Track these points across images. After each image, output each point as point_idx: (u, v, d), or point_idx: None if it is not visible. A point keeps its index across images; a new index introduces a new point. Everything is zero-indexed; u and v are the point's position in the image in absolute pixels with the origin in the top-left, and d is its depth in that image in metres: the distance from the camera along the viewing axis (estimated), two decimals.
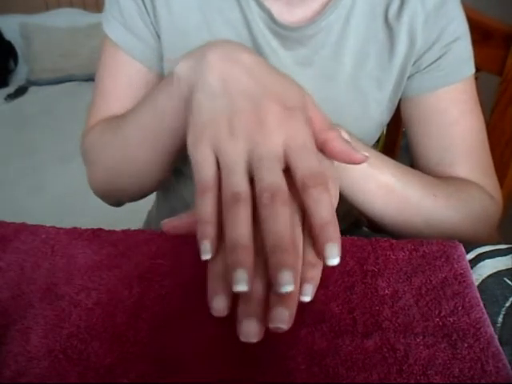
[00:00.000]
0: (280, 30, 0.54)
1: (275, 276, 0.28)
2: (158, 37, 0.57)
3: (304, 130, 0.34)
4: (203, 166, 0.33)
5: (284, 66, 0.55)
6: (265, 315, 0.29)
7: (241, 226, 0.30)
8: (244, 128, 0.33)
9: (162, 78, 0.59)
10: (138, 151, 0.49)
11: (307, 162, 0.32)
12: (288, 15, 0.54)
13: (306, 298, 0.31)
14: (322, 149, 0.36)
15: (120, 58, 0.57)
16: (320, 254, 0.30)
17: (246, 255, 0.29)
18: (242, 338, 0.29)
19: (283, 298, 0.29)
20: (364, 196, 0.46)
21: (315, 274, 0.32)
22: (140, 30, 0.56)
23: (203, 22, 0.54)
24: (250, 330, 0.29)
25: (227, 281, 0.30)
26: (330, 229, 0.30)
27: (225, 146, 0.33)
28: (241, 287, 0.28)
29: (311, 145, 0.34)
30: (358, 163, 0.37)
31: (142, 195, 0.58)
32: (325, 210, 0.31)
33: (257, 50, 0.55)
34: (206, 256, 0.31)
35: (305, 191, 0.31)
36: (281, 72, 0.37)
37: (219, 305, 0.30)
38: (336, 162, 0.41)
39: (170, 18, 0.55)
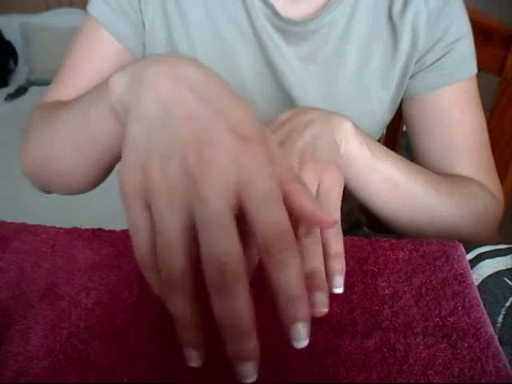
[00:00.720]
0: (283, 24, 0.54)
1: (290, 331, 0.25)
2: (144, 25, 0.56)
3: (264, 168, 0.26)
4: (136, 233, 0.27)
5: (287, 62, 0.55)
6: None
7: (188, 318, 0.26)
8: (182, 170, 0.25)
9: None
10: (67, 155, 0.43)
11: (270, 218, 0.25)
12: (291, 10, 0.54)
13: (339, 290, 0.33)
14: (285, 201, 0.28)
15: (98, 36, 0.55)
16: (285, 333, 0.25)
17: (196, 338, 0.27)
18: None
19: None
20: (369, 189, 0.46)
21: (342, 265, 0.34)
22: (125, 11, 0.55)
23: (207, 17, 0.55)
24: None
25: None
26: (298, 306, 0.25)
27: (155, 201, 0.26)
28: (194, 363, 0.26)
29: (275, 190, 0.26)
30: (325, 227, 0.33)
31: (73, 193, 0.53)
32: (292, 281, 0.25)
33: (260, 45, 0.55)
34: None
35: (268, 257, 0.25)
36: (239, 97, 0.30)
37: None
38: (342, 150, 0.42)
39: (178, 12, 0.55)
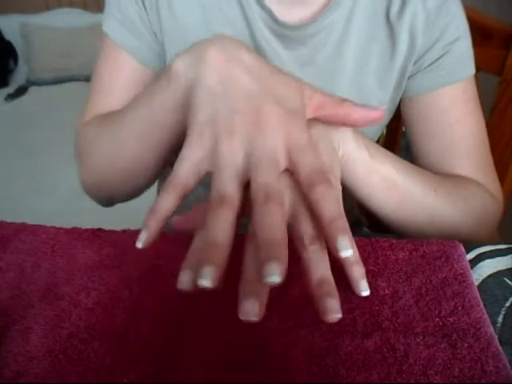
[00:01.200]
0: (281, 29, 0.54)
1: (263, 268, 0.28)
2: (156, 35, 0.57)
3: (304, 130, 0.35)
4: (183, 162, 0.34)
5: (285, 66, 0.55)
6: (266, 295, 0.30)
7: (219, 227, 0.30)
8: (242, 129, 0.33)
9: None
10: (131, 144, 0.48)
11: (311, 161, 0.33)
12: (289, 15, 0.54)
13: (366, 293, 0.35)
14: (345, 123, 0.39)
15: (118, 56, 0.57)
16: (333, 248, 0.31)
17: (217, 253, 0.29)
18: (242, 317, 0.28)
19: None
20: (367, 190, 0.46)
21: (361, 269, 0.36)
22: (136, 27, 0.56)
23: (203, 20, 0.54)
24: (250, 309, 0.28)
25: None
26: (338, 222, 0.31)
27: (220, 146, 0.33)
28: (205, 282, 0.28)
29: (312, 144, 0.34)
30: (379, 115, 0.39)
31: (133, 193, 0.57)
32: (332, 205, 0.31)
33: (257, 49, 0.55)
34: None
35: (311, 189, 0.32)
36: (282, 71, 0.37)
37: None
38: (340, 152, 0.42)
39: (172, 16, 0.55)
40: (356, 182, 0.45)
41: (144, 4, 0.55)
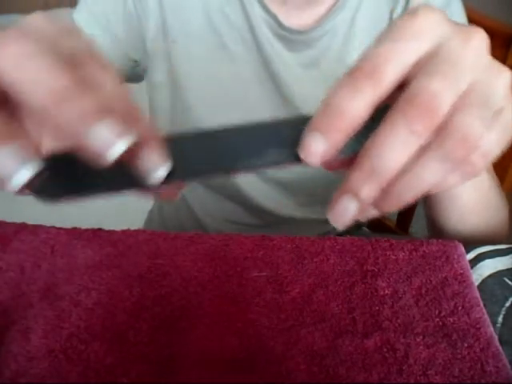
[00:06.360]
0: (286, 33, 0.54)
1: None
2: (144, 40, 0.55)
3: None
4: None
5: (289, 69, 0.55)
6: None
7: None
8: None
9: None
10: None
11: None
12: (294, 19, 0.54)
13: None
14: None
15: None
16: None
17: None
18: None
19: None
20: (460, 210, 0.45)
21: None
22: (112, 25, 0.55)
23: (208, 25, 0.54)
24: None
25: None
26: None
27: None
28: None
29: None
30: None
31: None
32: None
33: (261, 53, 0.55)
34: None
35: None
36: None
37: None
38: None
39: (178, 21, 0.55)
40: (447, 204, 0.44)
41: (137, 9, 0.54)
